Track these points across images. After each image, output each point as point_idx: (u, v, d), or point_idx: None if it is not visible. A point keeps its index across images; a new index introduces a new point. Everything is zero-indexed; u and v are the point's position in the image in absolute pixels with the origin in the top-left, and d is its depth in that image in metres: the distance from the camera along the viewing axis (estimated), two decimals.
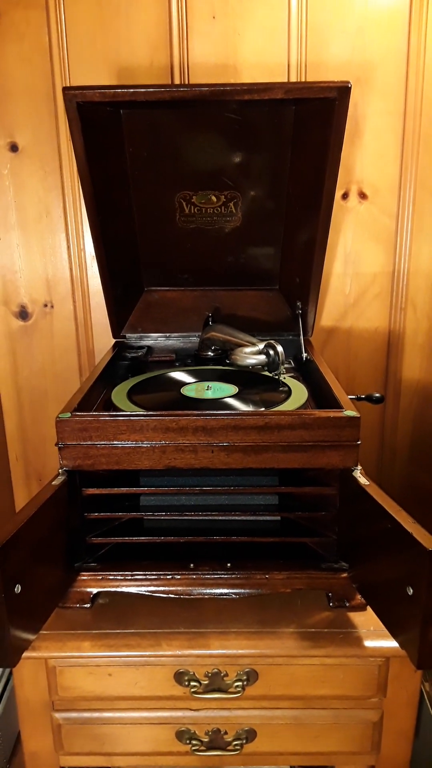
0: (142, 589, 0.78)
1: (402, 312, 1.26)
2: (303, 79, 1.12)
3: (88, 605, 0.79)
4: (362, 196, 1.20)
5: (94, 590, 0.79)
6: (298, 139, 0.97)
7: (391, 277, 1.24)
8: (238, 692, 0.76)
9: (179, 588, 0.78)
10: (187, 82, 1.13)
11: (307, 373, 1.00)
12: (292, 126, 0.96)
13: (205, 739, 0.80)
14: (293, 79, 1.13)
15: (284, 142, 0.98)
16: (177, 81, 1.13)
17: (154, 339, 1.14)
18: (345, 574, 0.78)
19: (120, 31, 1.11)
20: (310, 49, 1.12)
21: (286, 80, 1.13)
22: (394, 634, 0.67)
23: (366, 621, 0.77)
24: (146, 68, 1.13)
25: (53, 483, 0.74)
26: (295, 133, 0.97)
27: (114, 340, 1.14)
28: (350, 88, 0.85)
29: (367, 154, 1.17)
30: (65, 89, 0.86)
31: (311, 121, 0.93)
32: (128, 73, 1.13)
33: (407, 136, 1.16)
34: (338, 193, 1.18)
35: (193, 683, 0.76)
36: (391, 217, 1.21)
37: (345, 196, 1.20)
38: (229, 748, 0.79)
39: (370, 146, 1.17)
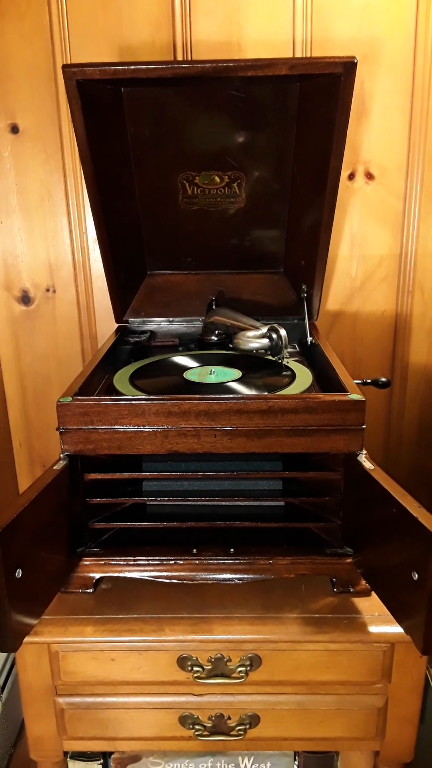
0: (145, 574, 0.78)
1: (409, 295, 1.24)
2: (309, 56, 1.10)
3: (91, 590, 0.78)
4: (369, 176, 1.17)
5: (97, 575, 0.78)
6: (303, 117, 0.95)
7: (398, 260, 1.22)
8: (242, 677, 0.75)
9: (182, 573, 0.77)
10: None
11: (312, 357, 0.99)
12: (296, 103, 0.94)
13: (209, 725, 0.79)
14: (299, 56, 1.10)
15: (289, 121, 0.96)
16: (180, 59, 1.11)
17: (157, 323, 1.13)
18: (349, 560, 0.77)
19: (122, 9, 1.09)
20: (315, 25, 1.09)
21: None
22: (399, 620, 0.66)
23: (371, 606, 0.76)
24: (148, 46, 1.10)
25: (54, 468, 0.73)
26: (300, 110, 0.95)
27: (117, 325, 1.13)
28: (356, 63, 0.82)
29: (374, 133, 1.15)
30: (65, 67, 0.84)
31: (316, 98, 0.91)
32: (130, 52, 1.11)
33: (415, 115, 1.13)
34: (345, 174, 1.16)
35: (196, 668, 0.76)
36: (398, 197, 1.18)
37: (351, 176, 1.17)
38: (233, 733, 0.79)
39: (377, 125, 1.14)
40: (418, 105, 1.13)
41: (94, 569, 0.79)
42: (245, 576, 0.77)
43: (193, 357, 0.98)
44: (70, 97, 0.87)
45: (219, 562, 0.77)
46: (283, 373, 0.89)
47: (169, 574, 0.77)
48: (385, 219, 1.20)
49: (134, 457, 0.82)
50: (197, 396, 0.74)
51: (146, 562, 0.78)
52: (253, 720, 0.79)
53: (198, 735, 0.79)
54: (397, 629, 0.69)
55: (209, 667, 0.76)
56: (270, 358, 0.95)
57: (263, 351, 0.96)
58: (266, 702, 0.79)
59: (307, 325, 1.05)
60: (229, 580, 0.77)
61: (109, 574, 0.78)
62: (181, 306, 1.12)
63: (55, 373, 1.31)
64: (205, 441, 0.74)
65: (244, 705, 0.79)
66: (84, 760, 0.93)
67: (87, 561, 0.79)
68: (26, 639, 0.68)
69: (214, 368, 0.91)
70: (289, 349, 1.01)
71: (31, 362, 1.30)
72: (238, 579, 0.77)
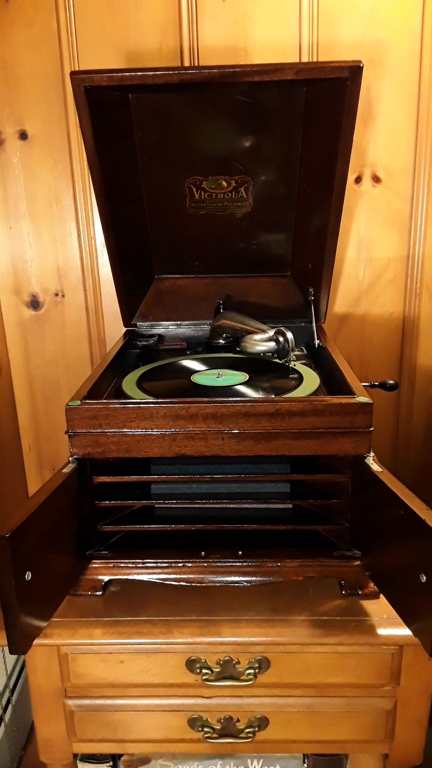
0: (153, 577, 0.78)
1: (417, 297, 1.24)
2: (315, 61, 1.10)
3: (100, 593, 0.79)
4: (376, 179, 1.17)
5: (106, 578, 0.79)
6: (309, 122, 0.95)
7: (405, 262, 1.22)
8: (250, 680, 0.76)
9: (191, 576, 0.78)
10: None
11: (320, 360, 0.99)
12: (303, 108, 0.95)
13: (218, 727, 0.79)
14: (305, 61, 1.11)
15: (295, 125, 0.97)
16: (187, 65, 1.11)
17: (165, 327, 1.13)
18: (357, 562, 0.77)
19: (129, 15, 1.10)
20: (321, 30, 1.09)
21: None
22: (408, 622, 0.66)
23: (379, 609, 0.76)
24: (155, 52, 1.11)
25: (63, 471, 0.74)
26: (306, 115, 0.95)
27: (125, 329, 1.13)
28: (362, 67, 0.83)
29: (381, 136, 1.15)
30: (73, 73, 0.85)
31: (323, 103, 0.91)
32: (137, 58, 1.11)
33: (422, 118, 1.13)
34: (351, 177, 1.16)
35: (204, 671, 0.76)
36: (405, 200, 1.18)
37: (358, 180, 1.18)
38: (242, 735, 0.79)
39: (384, 129, 1.14)
40: (424, 108, 1.13)
41: (102, 572, 0.79)
42: (253, 578, 0.77)
43: (201, 360, 0.99)
44: (78, 103, 0.88)
45: (227, 564, 0.78)
46: (291, 376, 0.90)
47: (178, 576, 0.78)
48: (392, 222, 1.20)
49: (142, 460, 0.83)
50: (205, 399, 0.74)
51: (155, 565, 0.78)
52: (262, 722, 0.79)
53: (207, 737, 0.79)
54: (405, 632, 0.69)
55: (218, 670, 0.76)
56: (277, 361, 0.96)
57: (270, 354, 0.96)
58: (275, 704, 0.79)
59: (314, 327, 1.05)
60: (237, 582, 0.77)
61: (118, 577, 0.79)
62: (188, 310, 1.13)
63: (64, 376, 1.32)
64: (213, 444, 0.74)
65: (252, 707, 0.79)
66: (93, 763, 0.93)
67: (96, 564, 0.79)
68: (36, 641, 0.69)
69: (221, 371, 0.91)
70: (297, 352, 1.01)
71: (40, 366, 1.31)
72: (247, 581, 0.77)
